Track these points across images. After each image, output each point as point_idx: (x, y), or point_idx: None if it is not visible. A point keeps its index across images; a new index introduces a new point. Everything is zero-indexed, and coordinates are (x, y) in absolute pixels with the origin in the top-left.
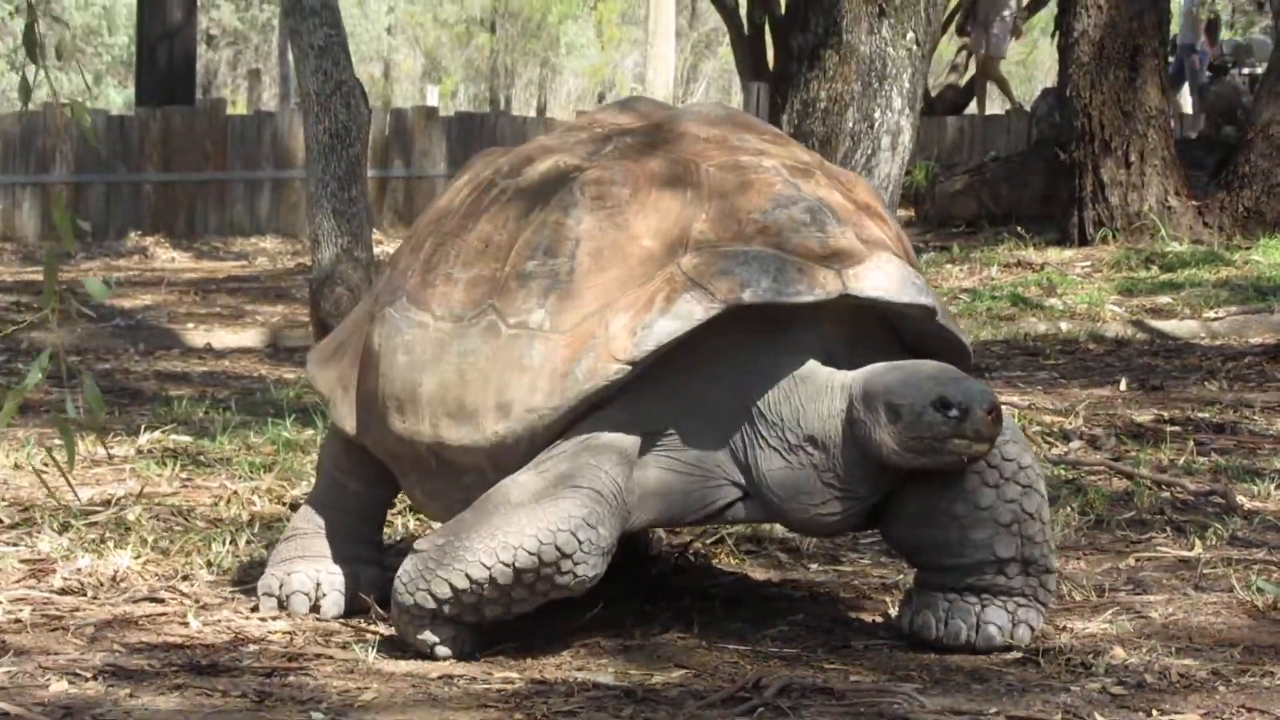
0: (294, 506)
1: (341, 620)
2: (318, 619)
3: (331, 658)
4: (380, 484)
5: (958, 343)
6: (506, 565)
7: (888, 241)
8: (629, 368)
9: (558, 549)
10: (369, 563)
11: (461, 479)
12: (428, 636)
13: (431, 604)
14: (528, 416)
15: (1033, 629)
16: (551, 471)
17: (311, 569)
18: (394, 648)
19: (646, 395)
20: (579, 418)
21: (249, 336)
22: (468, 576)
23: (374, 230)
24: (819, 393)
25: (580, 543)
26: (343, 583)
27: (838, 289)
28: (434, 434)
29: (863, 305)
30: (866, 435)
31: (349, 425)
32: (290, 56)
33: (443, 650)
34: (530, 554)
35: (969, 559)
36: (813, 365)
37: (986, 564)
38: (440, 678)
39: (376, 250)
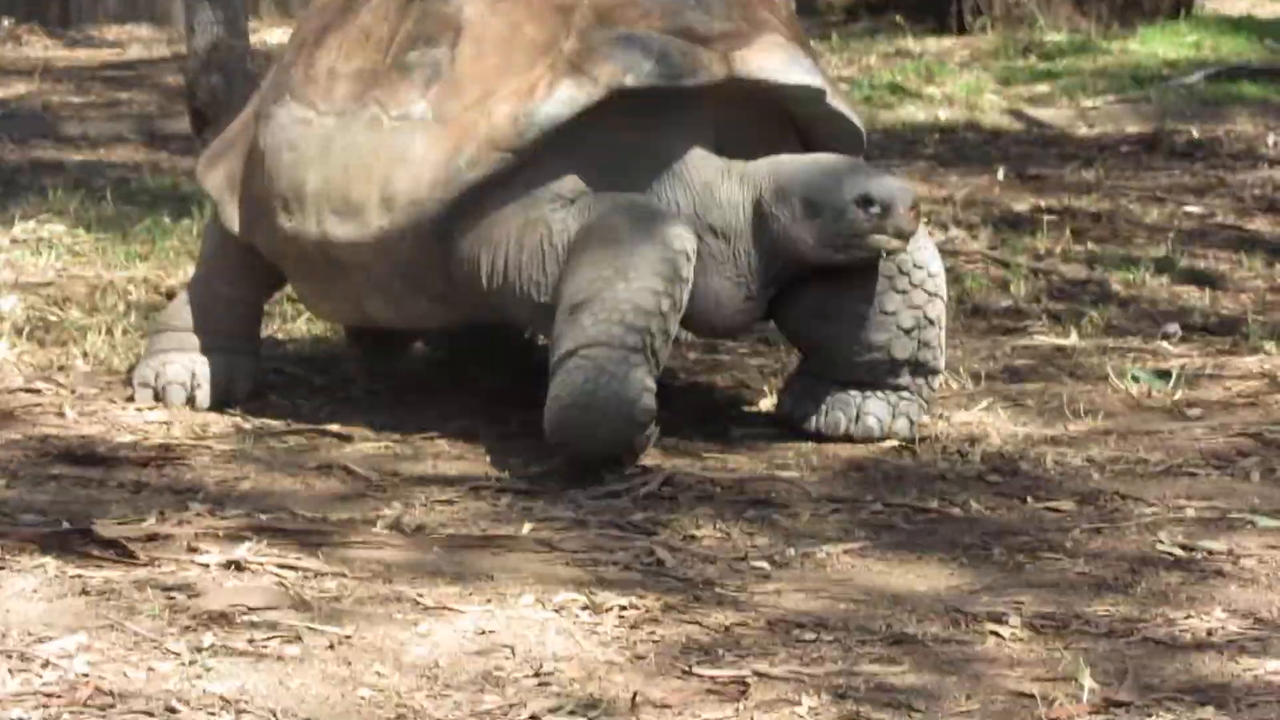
0: (170, 295)
1: (218, 411)
2: (194, 409)
3: (209, 448)
4: (260, 279)
5: (852, 126)
6: (681, 250)
7: (777, 24)
8: (512, 155)
9: (685, 232)
10: (246, 353)
11: (350, 276)
12: (640, 378)
13: (643, 323)
14: (412, 209)
15: (911, 422)
16: (606, 205)
17: (187, 359)
18: (273, 438)
19: (540, 183)
20: (465, 208)
21: (124, 126)
22: (659, 274)
23: (250, 18)
24: (716, 180)
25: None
26: (219, 373)
27: (723, 71)
28: (320, 231)
29: (752, 89)
30: (781, 230)
31: (237, 226)
32: None
33: (648, 401)
34: (679, 234)
35: (863, 358)
36: (706, 152)
37: (879, 364)
38: (318, 468)
39: (253, 38)
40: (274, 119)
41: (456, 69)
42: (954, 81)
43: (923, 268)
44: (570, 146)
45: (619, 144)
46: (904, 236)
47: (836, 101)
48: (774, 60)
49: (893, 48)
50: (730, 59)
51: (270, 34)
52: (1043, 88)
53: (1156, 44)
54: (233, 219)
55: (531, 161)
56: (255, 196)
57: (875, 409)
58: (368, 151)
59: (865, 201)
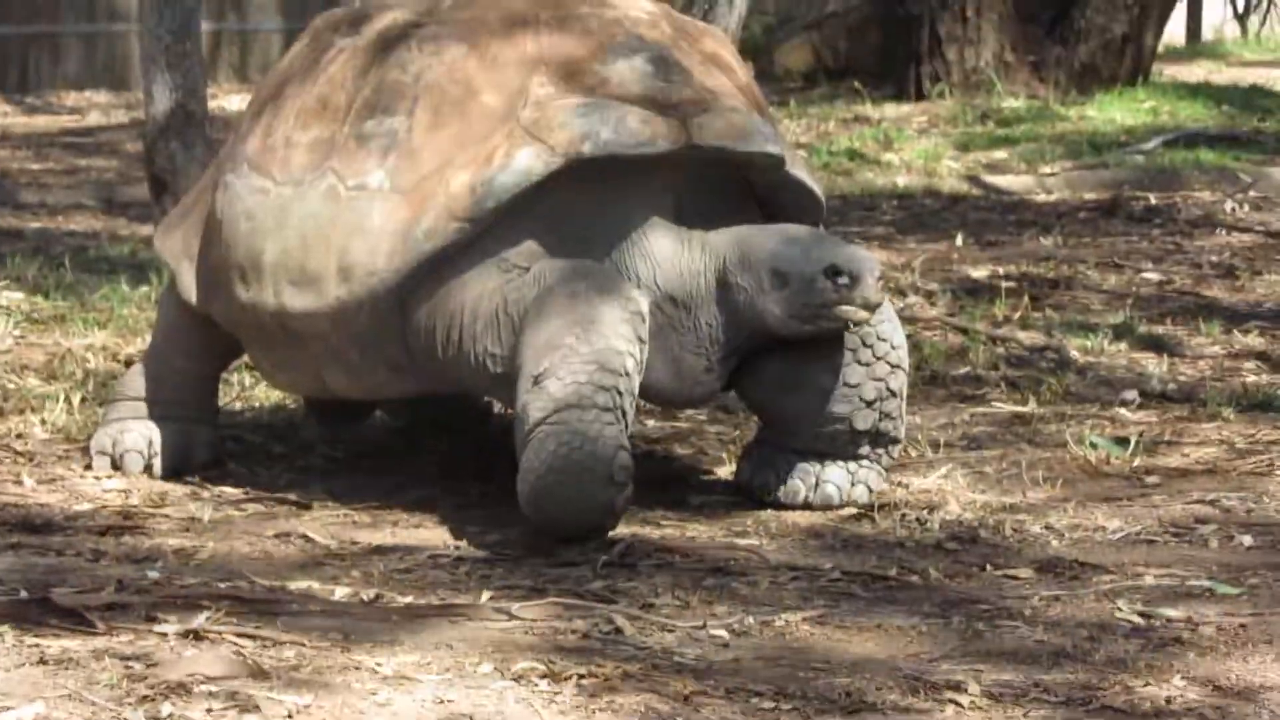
0: (129, 363)
1: (176, 479)
2: (152, 478)
3: (167, 516)
4: (216, 351)
5: (811, 193)
6: (637, 314)
7: (735, 90)
8: (469, 225)
9: (640, 295)
10: (203, 423)
11: (308, 347)
12: (614, 433)
13: (610, 381)
14: (369, 280)
15: (870, 489)
16: (559, 270)
17: (144, 428)
18: (231, 507)
19: (496, 251)
20: (422, 278)
21: (83, 192)
22: (620, 334)
23: (209, 85)
24: (676, 249)
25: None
26: (176, 442)
27: (681, 139)
28: (278, 302)
29: (712, 157)
30: (747, 301)
31: (194, 296)
32: None
33: (625, 458)
34: (636, 300)
35: (824, 429)
36: (665, 220)
37: (840, 435)
38: (277, 536)
39: (211, 105)
40: (231, 188)
41: (414, 138)
42: (912, 147)
43: (886, 340)
44: (527, 215)
45: (577, 212)
46: (870, 308)
47: (796, 169)
48: (733, 128)
49: (851, 114)
50: (689, 127)
51: (229, 100)
52: (1001, 154)
53: (1114, 110)
54: (190, 289)
55: (489, 230)
56: (212, 266)
57: (834, 477)
58: (325, 222)
59: (834, 272)
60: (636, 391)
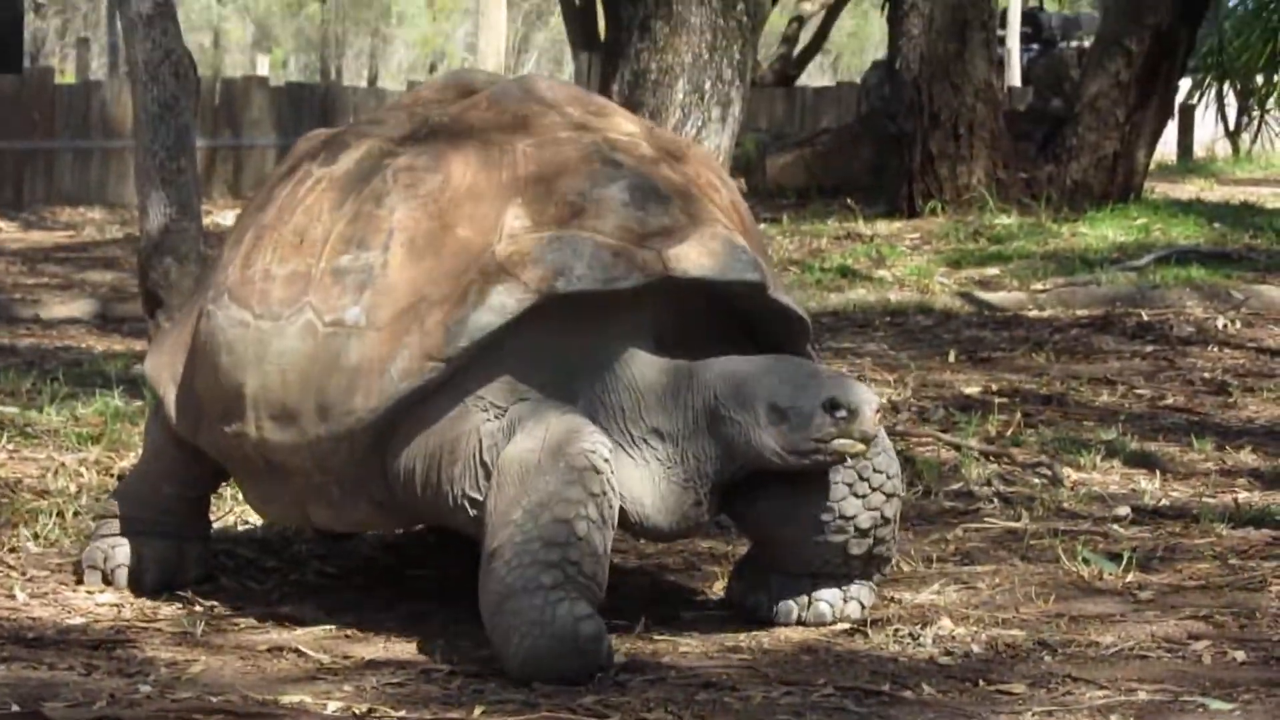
0: (122, 478)
1: (169, 593)
2: (142, 594)
3: (160, 630)
4: (204, 476)
5: (794, 315)
6: (586, 468)
7: (717, 214)
8: (444, 365)
9: (603, 443)
10: (195, 539)
11: (290, 482)
12: (569, 609)
13: (556, 555)
14: (346, 419)
15: (863, 605)
16: (531, 423)
17: (135, 543)
18: (224, 621)
19: (473, 391)
20: (400, 418)
21: (77, 307)
22: (567, 500)
23: (203, 200)
24: (661, 382)
25: (602, 439)
26: (168, 557)
27: (658, 271)
28: (259, 437)
29: (690, 286)
30: (740, 435)
31: (182, 426)
32: (119, 25)
33: (590, 627)
34: (593, 448)
35: (818, 556)
36: (648, 352)
37: (834, 561)
38: (269, 650)
39: (205, 221)
40: (213, 319)
41: (389, 273)
42: (905, 264)
43: (882, 472)
44: (504, 352)
45: (555, 347)
46: (868, 441)
47: (779, 294)
48: (711, 257)
49: (844, 230)
50: (665, 258)
51: (223, 216)
52: (993, 270)
53: (1106, 227)
54: (178, 418)
55: (465, 368)
56: (197, 396)
57: (827, 595)
58: (303, 358)
59: (833, 406)
60: (606, 543)
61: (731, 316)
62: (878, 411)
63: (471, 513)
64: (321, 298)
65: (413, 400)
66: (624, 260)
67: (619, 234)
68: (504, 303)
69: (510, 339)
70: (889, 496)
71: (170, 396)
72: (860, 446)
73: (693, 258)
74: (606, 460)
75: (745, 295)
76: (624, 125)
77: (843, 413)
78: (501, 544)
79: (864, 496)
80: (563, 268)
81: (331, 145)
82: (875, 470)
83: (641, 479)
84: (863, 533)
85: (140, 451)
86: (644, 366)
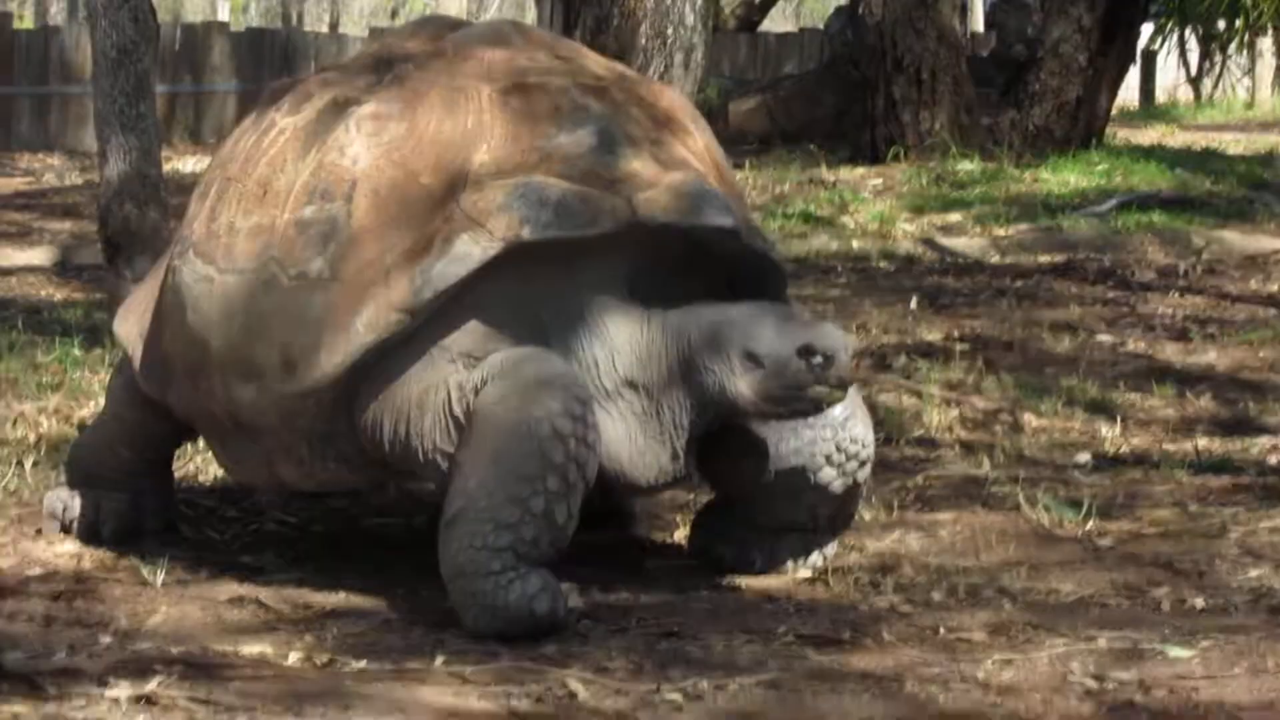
0: (82, 427)
1: (129, 543)
2: (102, 544)
3: (120, 580)
4: (165, 439)
5: (770, 261)
6: (549, 435)
7: (689, 158)
8: (408, 317)
9: (577, 397)
10: (155, 491)
11: (259, 440)
12: (521, 588)
13: (507, 538)
14: (312, 374)
15: (825, 556)
16: (503, 373)
17: (95, 493)
18: (184, 571)
19: (441, 342)
20: (366, 371)
21: (37, 254)
22: (523, 476)
23: (164, 146)
24: (635, 332)
25: (583, 385)
26: (127, 509)
27: (627, 217)
28: (226, 395)
29: (660, 232)
30: (715, 384)
31: (151, 386)
32: None
33: (544, 603)
34: (561, 413)
35: (789, 516)
36: (621, 301)
37: (803, 519)
38: (230, 600)
39: (166, 167)
40: (178, 275)
41: (353, 224)
42: (867, 210)
43: (858, 441)
44: (472, 302)
45: (525, 297)
46: (844, 387)
47: (753, 239)
48: (682, 201)
49: (806, 176)
50: (635, 203)
51: (184, 163)
52: (955, 217)
53: (1068, 173)
54: (146, 377)
55: (432, 320)
56: (164, 355)
57: (789, 545)
58: (267, 313)
59: (808, 352)
60: (570, 510)
61: (706, 263)
62: (854, 356)
63: (443, 466)
64: (285, 250)
65: (379, 353)
66: (592, 207)
67: (587, 180)
68: (469, 251)
69: (478, 289)
70: (863, 464)
71: (138, 356)
72: (838, 394)
73: (663, 203)
74: (578, 417)
75: (719, 241)
76: (593, 69)
77: (818, 359)
78: (455, 515)
79: (839, 465)
80: (529, 215)
81: (296, 94)
82: (852, 440)
83: (616, 433)
84: (835, 498)
85: (102, 405)
86: (616, 317)
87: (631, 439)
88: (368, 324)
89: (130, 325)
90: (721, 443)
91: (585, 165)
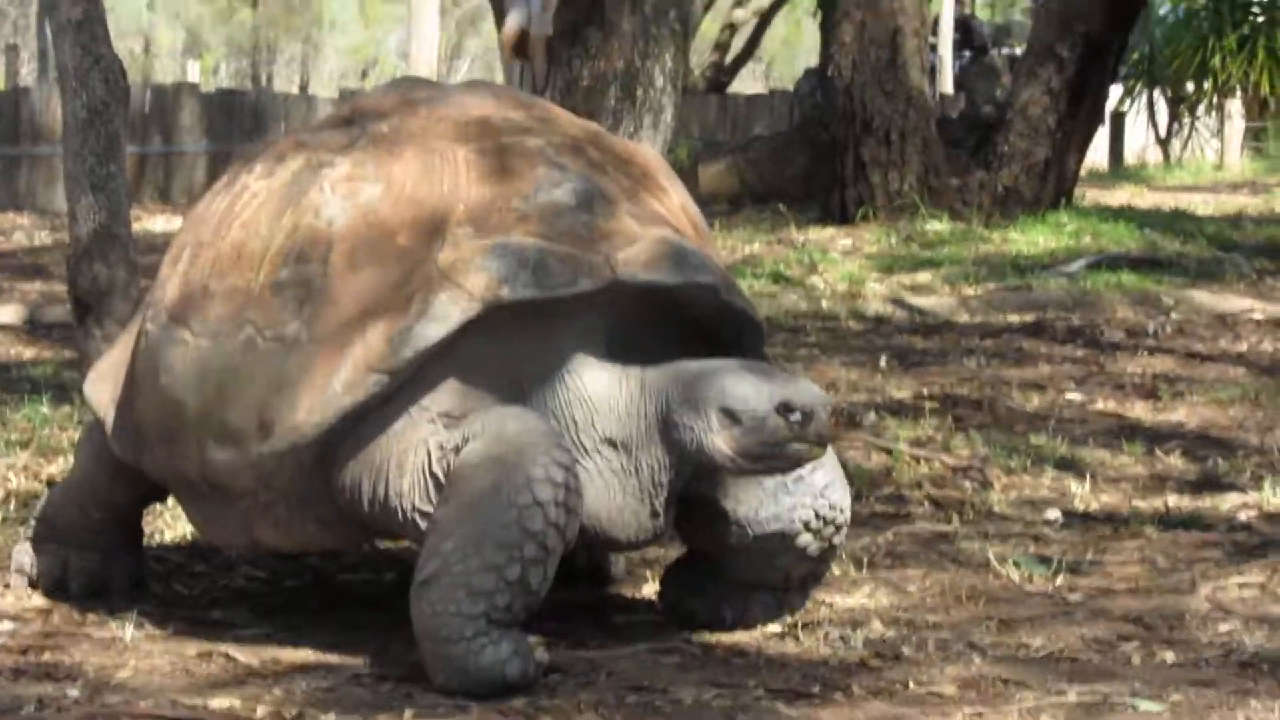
0: (50, 484)
1: (98, 598)
2: (70, 599)
3: (88, 635)
4: (135, 498)
5: (748, 317)
6: (529, 504)
7: (666, 216)
8: (388, 378)
9: (558, 462)
10: (125, 549)
11: (236, 503)
12: (493, 654)
13: (482, 606)
14: (290, 435)
15: (794, 611)
16: (484, 433)
17: (64, 550)
18: (153, 625)
19: (420, 402)
20: (345, 433)
21: (6, 313)
22: (500, 544)
23: (133, 207)
24: (613, 390)
25: (566, 449)
26: (96, 567)
27: (606, 276)
28: (201, 458)
29: (640, 290)
30: (693, 441)
31: (124, 450)
32: (48, 30)
33: (516, 666)
34: (542, 479)
35: (764, 576)
36: (598, 359)
37: (777, 579)
38: (198, 655)
39: (136, 227)
40: (151, 339)
41: (329, 285)
42: (837, 270)
43: (837, 506)
44: (451, 362)
45: (503, 356)
46: (823, 444)
47: (732, 296)
48: (661, 260)
49: (776, 237)
50: (614, 262)
51: (154, 222)
52: (925, 276)
53: (1037, 234)
54: (118, 441)
55: (411, 380)
56: (138, 419)
57: (762, 602)
58: (244, 375)
59: (786, 409)
60: (545, 575)
61: (684, 321)
62: (832, 414)
63: (423, 526)
64: (261, 313)
65: (357, 414)
66: (571, 266)
67: (565, 239)
68: (448, 312)
69: (456, 348)
70: (839, 528)
71: (110, 419)
72: (817, 451)
73: (642, 261)
74: (559, 483)
75: (697, 298)
76: (568, 128)
77: (796, 415)
78: (429, 578)
79: (817, 530)
80: (508, 275)
81: (268, 157)
82: (831, 506)
83: (595, 491)
84: (811, 560)
85: (70, 462)
86: (595, 374)
87: (611, 496)
88: (346, 385)
89: (102, 389)
90: (701, 507)
91: (563, 224)
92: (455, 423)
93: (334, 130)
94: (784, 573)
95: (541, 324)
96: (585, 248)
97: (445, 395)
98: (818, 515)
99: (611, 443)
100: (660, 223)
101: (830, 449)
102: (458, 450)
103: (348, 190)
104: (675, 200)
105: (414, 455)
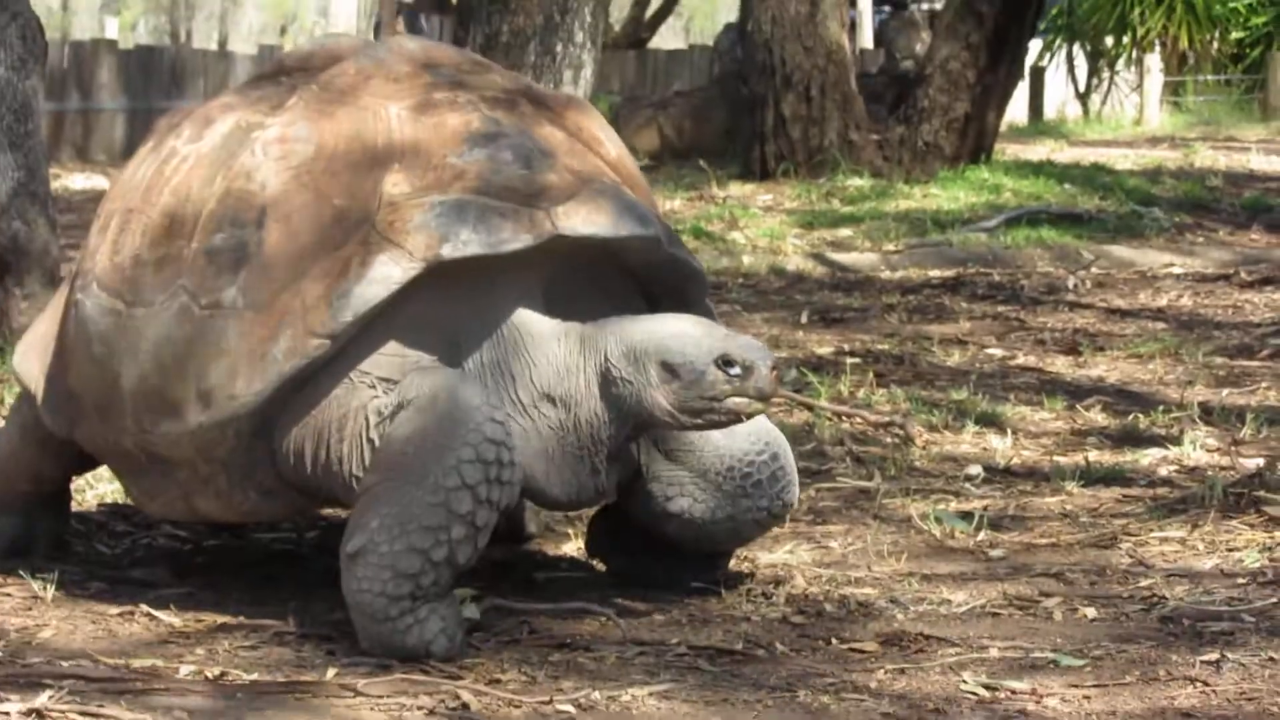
0: None
1: (19, 557)
2: None
3: (9, 595)
4: (62, 472)
5: (690, 269)
6: (457, 487)
7: (604, 169)
8: (329, 342)
9: (489, 439)
10: (51, 514)
11: (175, 474)
12: (419, 634)
13: (407, 587)
14: (230, 404)
15: (719, 568)
16: (416, 402)
17: None
18: (74, 585)
19: (360, 365)
20: (286, 399)
21: None
22: (426, 527)
23: (51, 164)
24: (552, 346)
25: (500, 422)
26: (16, 529)
27: (547, 231)
28: (139, 429)
29: (581, 244)
30: (632, 396)
31: (57, 423)
32: None
33: (441, 644)
34: (471, 460)
35: (705, 553)
36: (539, 315)
37: (718, 555)
38: (121, 614)
39: (54, 185)
40: (81, 309)
41: (265, 250)
42: (758, 226)
43: (788, 505)
44: (390, 323)
45: (441, 315)
46: (765, 399)
47: (674, 247)
48: (602, 213)
49: (697, 193)
50: (555, 216)
51: (71, 179)
52: (845, 232)
53: (957, 189)
54: (51, 415)
55: (351, 343)
56: (72, 393)
57: (690, 562)
58: (180, 345)
59: (726, 363)
60: (467, 554)
61: (624, 273)
62: (774, 369)
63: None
64: (196, 280)
65: (298, 380)
66: (512, 221)
67: (504, 194)
68: (389, 273)
69: (394, 310)
70: (784, 518)
71: (41, 393)
72: (757, 405)
73: (583, 215)
74: (490, 461)
75: (639, 250)
76: (499, 81)
77: (736, 369)
78: (356, 552)
79: (766, 525)
80: (448, 233)
81: (195, 120)
82: (784, 505)
83: (534, 449)
84: (752, 540)
85: None
86: (533, 330)
87: (549, 455)
88: (287, 351)
89: (31, 361)
90: (653, 503)
91: (501, 179)
92: (392, 387)
93: (262, 91)
94: (728, 553)
95: (480, 281)
96: (525, 202)
97: (384, 359)
98: (770, 514)
99: (550, 398)
100: (599, 175)
101: (786, 445)
102: (392, 417)
103: (280, 152)
104: (612, 152)
105: (353, 421)
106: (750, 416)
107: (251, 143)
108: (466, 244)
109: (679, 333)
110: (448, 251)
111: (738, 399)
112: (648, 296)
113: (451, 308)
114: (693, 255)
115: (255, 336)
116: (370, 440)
